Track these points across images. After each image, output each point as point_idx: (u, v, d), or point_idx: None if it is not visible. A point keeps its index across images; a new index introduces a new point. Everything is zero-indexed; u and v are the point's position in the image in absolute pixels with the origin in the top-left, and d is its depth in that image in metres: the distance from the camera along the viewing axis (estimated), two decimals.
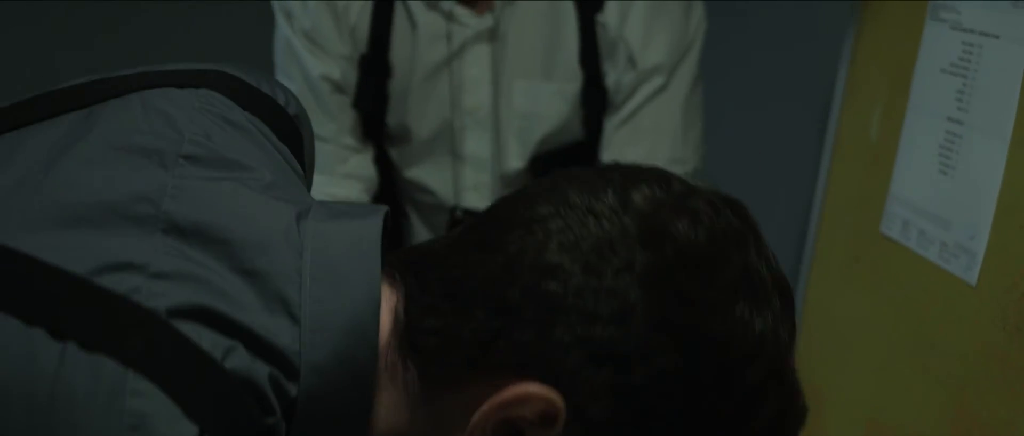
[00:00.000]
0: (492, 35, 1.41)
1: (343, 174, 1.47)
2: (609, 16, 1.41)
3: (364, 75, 1.45)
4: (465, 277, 0.65)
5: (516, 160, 1.47)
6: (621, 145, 1.45)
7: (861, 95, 1.25)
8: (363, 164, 1.49)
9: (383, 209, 0.69)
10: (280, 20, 1.44)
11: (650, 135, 1.45)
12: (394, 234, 1.47)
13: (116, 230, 0.62)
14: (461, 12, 1.40)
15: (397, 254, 0.69)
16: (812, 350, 1.32)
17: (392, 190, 1.57)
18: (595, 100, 1.45)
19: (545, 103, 1.44)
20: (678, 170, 1.52)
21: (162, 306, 0.59)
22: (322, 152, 1.46)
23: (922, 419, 1.07)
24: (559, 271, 0.63)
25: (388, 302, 0.67)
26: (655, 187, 0.65)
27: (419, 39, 1.42)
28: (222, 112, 0.73)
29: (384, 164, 1.54)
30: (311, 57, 1.43)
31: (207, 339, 0.60)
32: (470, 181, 1.50)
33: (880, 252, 1.17)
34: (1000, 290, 0.95)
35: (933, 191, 1.07)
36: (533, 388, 0.63)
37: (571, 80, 1.44)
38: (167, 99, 0.72)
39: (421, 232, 1.59)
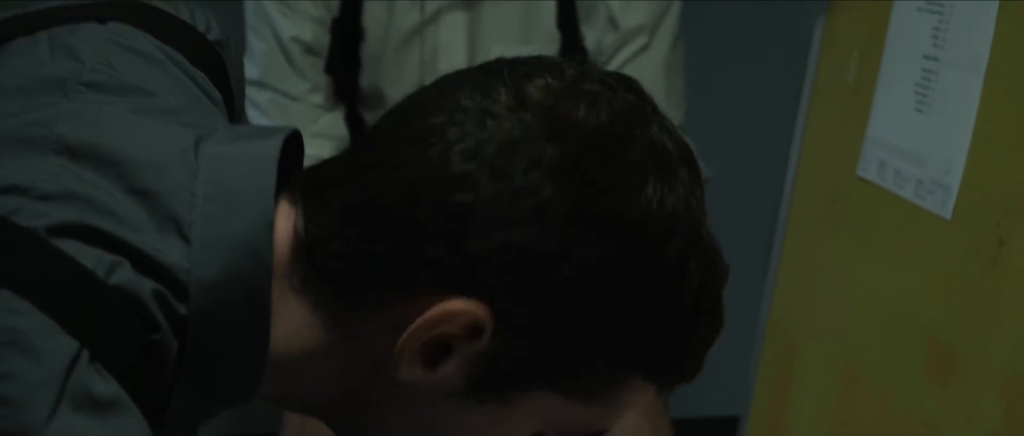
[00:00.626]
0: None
1: (313, 133, 1.47)
2: None
3: (336, 38, 1.44)
4: (367, 199, 0.63)
5: None
6: None
7: (839, 40, 1.25)
8: (334, 123, 1.49)
9: (287, 130, 0.68)
10: None
11: None
12: None
13: (10, 154, 0.62)
14: None
15: (299, 175, 0.68)
16: (789, 297, 1.32)
17: None
18: None
19: None
20: None
21: (41, 225, 0.59)
22: (293, 111, 1.45)
23: (898, 357, 1.07)
24: (466, 180, 0.61)
25: (286, 221, 0.65)
26: (547, 76, 0.64)
27: (394, 3, 1.41)
28: (131, 42, 0.72)
29: (356, 124, 1.53)
30: (282, 18, 1.42)
31: (90, 256, 0.59)
32: None
33: (857, 196, 1.17)
34: (975, 223, 0.96)
35: (909, 130, 1.07)
36: (454, 305, 0.62)
37: (549, 43, 1.43)
38: (74, 33, 0.71)
39: None
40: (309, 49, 1.43)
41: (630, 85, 0.65)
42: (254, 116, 1.48)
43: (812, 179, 1.28)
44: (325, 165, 0.69)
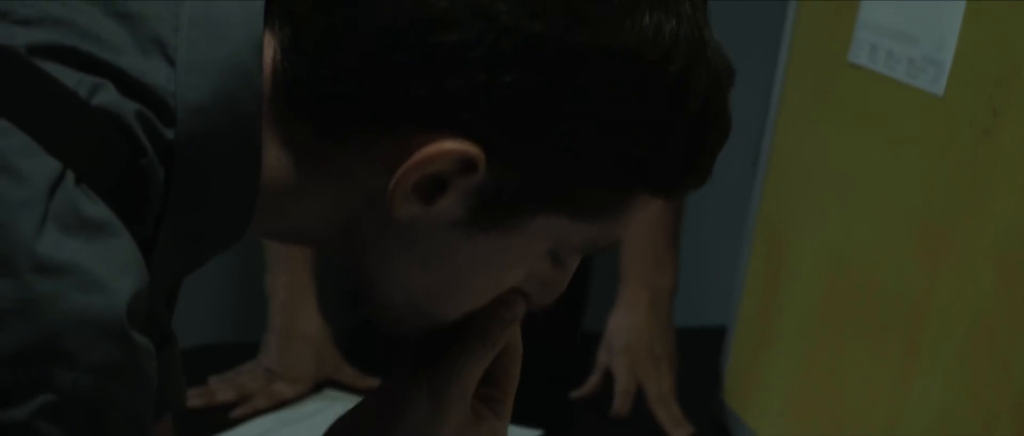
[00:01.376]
0: None
1: None
2: None
3: None
4: (345, 37, 0.62)
5: None
6: None
7: None
8: None
9: None
10: None
11: None
12: None
13: None
14: None
15: (279, 3, 0.65)
16: (779, 194, 1.32)
17: None
18: None
19: None
20: None
21: (21, 42, 0.58)
22: None
23: (886, 242, 1.07)
24: (448, 19, 0.60)
25: (269, 50, 0.64)
26: None
27: None
28: None
29: None
30: None
31: (72, 77, 0.58)
32: None
33: (849, 83, 1.16)
34: (968, 96, 0.95)
35: (901, 10, 1.06)
36: (443, 145, 0.61)
37: None
38: None
39: None
40: None
41: None
42: None
43: (803, 70, 1.27)
44: None
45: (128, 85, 0.59)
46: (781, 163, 1.31)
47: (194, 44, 0.61)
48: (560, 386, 1.47)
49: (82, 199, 0.56)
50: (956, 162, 0.96)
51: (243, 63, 0.62)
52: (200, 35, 0.61)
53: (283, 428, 1.40)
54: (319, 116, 0.63)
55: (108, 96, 0.58)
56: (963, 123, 0.95)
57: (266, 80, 0.63)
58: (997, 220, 0.92)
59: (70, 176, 0.56)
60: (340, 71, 0.62)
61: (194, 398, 1.42)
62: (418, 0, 0.60)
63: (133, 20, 0.61)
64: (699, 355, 1.51)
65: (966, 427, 0.94)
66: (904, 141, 1.04)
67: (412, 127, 0.61)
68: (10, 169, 0.55)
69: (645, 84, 0.62)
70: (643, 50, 0.61)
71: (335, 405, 1.42)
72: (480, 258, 0.67)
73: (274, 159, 0.64)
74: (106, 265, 0.56)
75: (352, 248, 0.68)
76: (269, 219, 0.66)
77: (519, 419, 0.83)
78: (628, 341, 1.43)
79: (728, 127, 0.67)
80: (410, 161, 0.61)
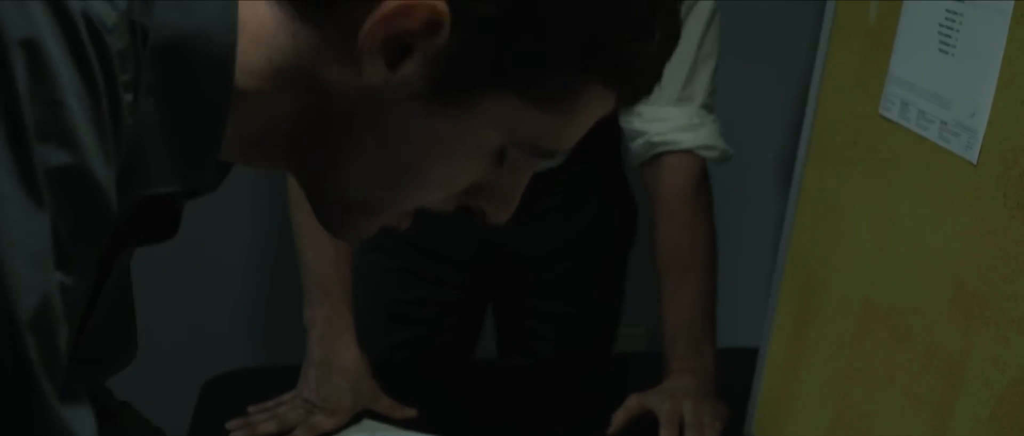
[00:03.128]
0: None
1: None
2: None
3: None
4: None
5: None
6: None
7: None
8: None
9: None
10: None
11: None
12: None
13: None
14: None
15: None
16: (809, 231, 1.33)
17: None
18: None
19: None
20: (685, 107, 1.53)
21: None
22: None
23: (920, 297, 1.08)
24: None
25: None
26: None
27: None
28: None
29: None
30: None
31: None
32: None
33: (878, 133, 1.17)
34: (1001, 167, 0.96)
35: (933, 71, 1.07)
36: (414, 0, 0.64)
37: None
38: None
39: None
40: None
41: None
42: None
43: (832, 117, 1.29)
44: None
45: None
46: (811, 201, 1.33)
47: None
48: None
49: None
50: (990, 230, 0.97)
51: None
52: None
53: None
54: None
55: None
56: (997, 194, 0.96)
57: None
58: None
59: None
60: None
61: (236, 430, 1.45)
62: None
63: None
64: (729, 377, 1.54)
65: None
66: (938, 201, 1.06)
67: None
68: None
69: None
70: None
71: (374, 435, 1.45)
72: (438, 139, 0.70)
73: (249, 39, 0.67)
74: None
75: (314, 138, 0.71)
76: (241, 120, 0.68)
77: None
78: (674, 405, 1.46)
79: (677, 32, 0.71)
80: (381, 11, 0.65)
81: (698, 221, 1.57)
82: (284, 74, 0.69)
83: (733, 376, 1.52)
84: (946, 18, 1.05)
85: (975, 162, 1.00)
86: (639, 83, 0.73)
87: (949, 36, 1.05)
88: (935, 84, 1.07)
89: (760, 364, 1.44)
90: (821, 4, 1.33)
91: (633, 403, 1.47)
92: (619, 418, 1.46)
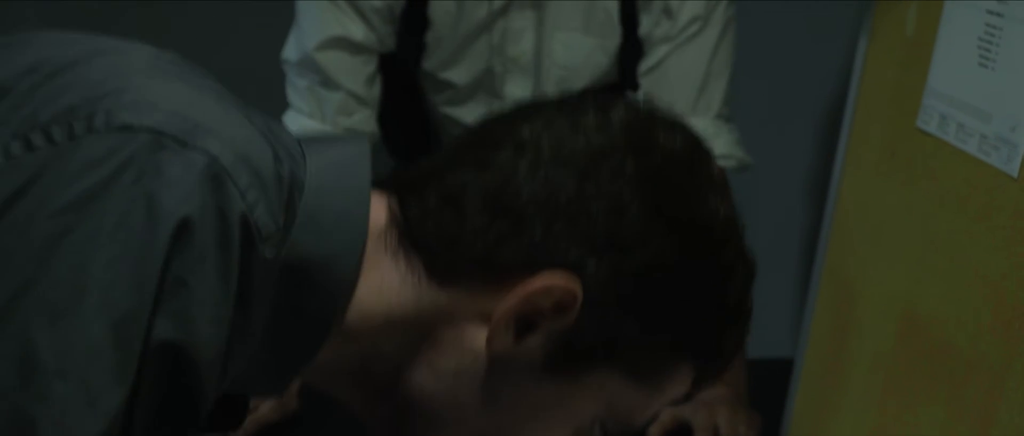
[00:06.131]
0: None
1: (346, 127, 1.49)
2: None
3: (403, 27, 1.47)
4: (463, 190, 0.69)
5: None
6: (647, 91, 1.50)
7: None
8: (367, 120, 1.51)
9: (360, 137, 0.74)
10: None
11: (676, 83, 1.49)
12: None
13: None
14: None
15: (383, 178, 0.74)
16: (846, 242, 1.34)
17: (426, 122, 1.62)
18: (634, 56, 1.50)
19: (584, 56, 1.48)
20: (700, 116, 1.56)
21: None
22: (330, 101, 1.47)
23: (961, 308, 1.08)
24: (556, 179, 0.69)
25: (379, 203, 0.71)
26: (628, 109, 0.73)
27: (463, 2, 1.44)
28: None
29: (417, 109, 1.58)
30: (335, 12, 1.43)
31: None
32: None
33: (916, 146, 1.18)
34: None
35: (972, 84, 1.08)
36: (556, 279, 0.68)
37: (611, 36, 1.48)
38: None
39: None
40: (358, 46, 1.45)
41: (686, 128, 0.76)
42: (291, 96, 1.51)
43: (869, 129, 1.29)
44: (412, 167, 0.75)
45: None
46: (848, 213, 1.34)
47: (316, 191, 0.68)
48: None
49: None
50: None
51: (351, 211, 0.69)
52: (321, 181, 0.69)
53: None
54: (435, 255, 0.70)
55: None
56: None
57: (377, 221, 0.70)
58: None
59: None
60: (457, 214, 0.69)
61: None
62: (531, 164, 0.70)
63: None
64: (758, 387, 1.54)
65: None
66: (979, 214, 1.06)
67: (515, 268, 0.69)
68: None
69: (708, 259, 0.72)
70: (713, 228, 0.72)
71: None
72: (541, 406, 0.73)
73: (377, 281, 0.70)
74: None
75: (412, 386, 0.73)
76: (334, 347, 0.70)
77: None
78: (709, 415, 1.47)
79: (749, 325, 0.77)
80: (523, 290, 0.68)
81: None
82: (396, 325, 0.71)
83: (761, 387, 1.53)
84: (986, 30, 1.06)
85: (1016, 176, 1.00)
86: (719, 365, 0.78)
87: (989, 50, 1.05)
88: (975, 98, 1.07)
89: (796, 375, 1.44)
90: (846, 13, 1.33)
91: (667, 416, 1.48)
92: (654, 432, 1.47)
